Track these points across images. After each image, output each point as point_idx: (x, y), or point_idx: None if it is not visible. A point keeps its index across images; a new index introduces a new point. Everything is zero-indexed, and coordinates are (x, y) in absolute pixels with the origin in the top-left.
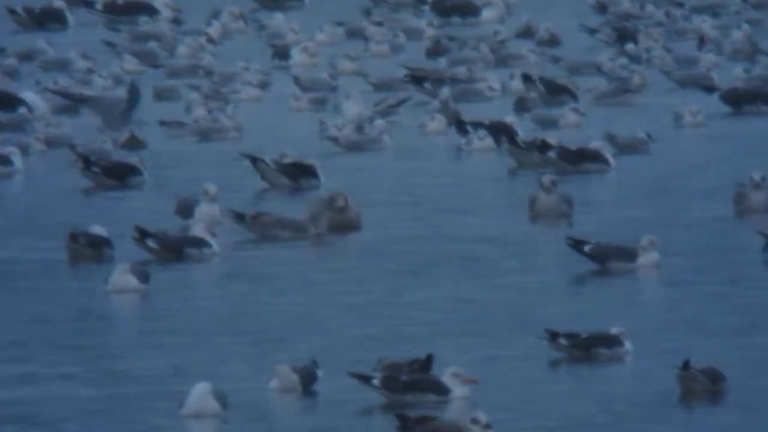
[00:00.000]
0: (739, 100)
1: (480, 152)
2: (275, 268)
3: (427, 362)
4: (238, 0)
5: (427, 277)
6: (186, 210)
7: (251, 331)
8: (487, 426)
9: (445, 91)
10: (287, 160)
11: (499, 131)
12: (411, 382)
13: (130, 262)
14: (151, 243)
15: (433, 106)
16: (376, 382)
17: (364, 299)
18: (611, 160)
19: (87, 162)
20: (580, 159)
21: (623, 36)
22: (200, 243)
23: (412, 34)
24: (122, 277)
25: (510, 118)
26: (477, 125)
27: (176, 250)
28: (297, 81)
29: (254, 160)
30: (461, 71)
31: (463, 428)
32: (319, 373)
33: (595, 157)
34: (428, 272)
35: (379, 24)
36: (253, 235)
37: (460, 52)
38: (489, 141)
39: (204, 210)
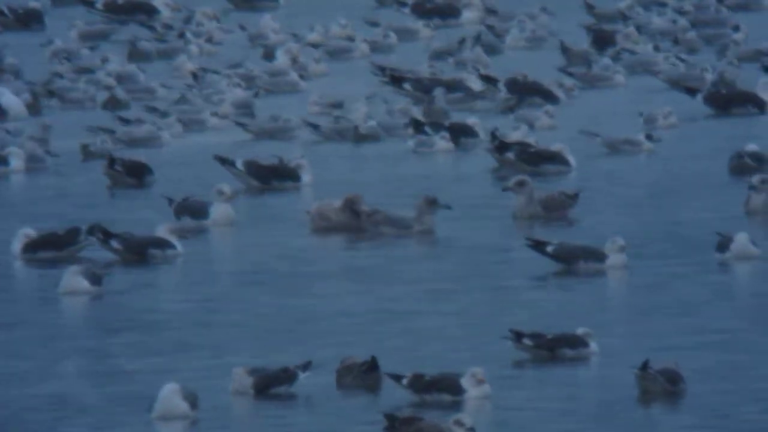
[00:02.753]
0: (721, 103)
1: (442, 153)
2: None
3: (372, 365)
4: (212, 0)
5: (399, 277)
6: (199, 211)
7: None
8: (471, 429)
9: (438, 92)
10: (265, 162)
11: (460, 132)
12: (431, 382)
13: (81, 264)
14: (114, 244)
15: (395, 107)
16: (404, 381)
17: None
18: (572, 161)
19: (112, 160)
20: (538, 160)
21: (600, 38)
22: (164, 244)
23: (408, 35)
24: (73, 279)
25: (472, 120)
26: (437, 126)
27: (139, 251)
28: (254, 83)
29: (223, 162)
30: (444, 72)
31: (445, 430)
32: (302, 374)
33: (553, 158)
34: (401, 273)
35: (375, 24)
36: (366, 232)
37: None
38: (450, 142)
39: (219, 210)
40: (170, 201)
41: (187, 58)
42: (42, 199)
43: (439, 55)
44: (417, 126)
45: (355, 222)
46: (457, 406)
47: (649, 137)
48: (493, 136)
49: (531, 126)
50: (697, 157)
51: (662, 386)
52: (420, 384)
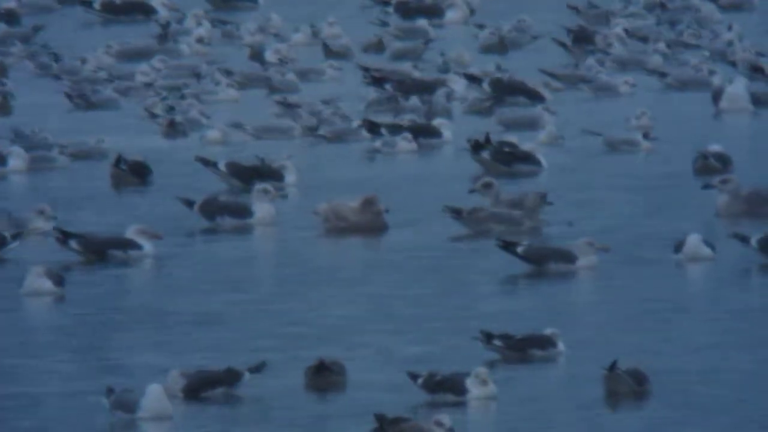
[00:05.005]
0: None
1: (405, 154)
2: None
3: (318, 367)
4: (195, 1)
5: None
6: (240, 210)
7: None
8: (450, 429)
9: (440, 93)
10: (247, 163)
11: (420, 133)
12: (440, 382)
13: (44, 265)
14: (73, 244)
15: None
16: (420, 381)
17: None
18: (543, 161)
19: (118, 159)
20: (512, 160)
21: (579, 38)
22: (127, 245)
23: (417, 34)
24: (36, 280)
25: (439, 121)
26: (396, 127)
27: (99, 251)
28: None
29: (206, 163)
30: (426, 72)
31: (426, 430)
32: (248, 375)
33: (526, 158)
34: (375, 273)
35: (385, 24)
36: (469, 230)
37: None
38: (413, 143)
39: (263, 209)
40: (189, 202)
41: (158, 60)
42: (45, 198)
43: (400, 56)
44: (372, 127)
45: (376, 222)
46: (460, 406)
47: (646, 136)
48: (487, 137)
49: (522, 125)
50: (677, 156)
51: (629, 386)
52: (430, 383)
